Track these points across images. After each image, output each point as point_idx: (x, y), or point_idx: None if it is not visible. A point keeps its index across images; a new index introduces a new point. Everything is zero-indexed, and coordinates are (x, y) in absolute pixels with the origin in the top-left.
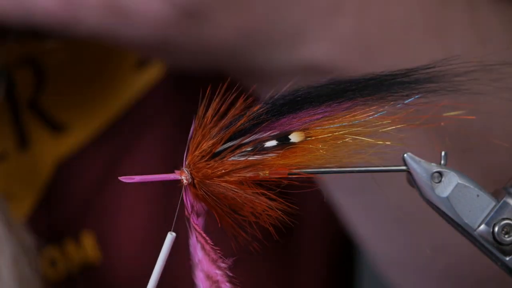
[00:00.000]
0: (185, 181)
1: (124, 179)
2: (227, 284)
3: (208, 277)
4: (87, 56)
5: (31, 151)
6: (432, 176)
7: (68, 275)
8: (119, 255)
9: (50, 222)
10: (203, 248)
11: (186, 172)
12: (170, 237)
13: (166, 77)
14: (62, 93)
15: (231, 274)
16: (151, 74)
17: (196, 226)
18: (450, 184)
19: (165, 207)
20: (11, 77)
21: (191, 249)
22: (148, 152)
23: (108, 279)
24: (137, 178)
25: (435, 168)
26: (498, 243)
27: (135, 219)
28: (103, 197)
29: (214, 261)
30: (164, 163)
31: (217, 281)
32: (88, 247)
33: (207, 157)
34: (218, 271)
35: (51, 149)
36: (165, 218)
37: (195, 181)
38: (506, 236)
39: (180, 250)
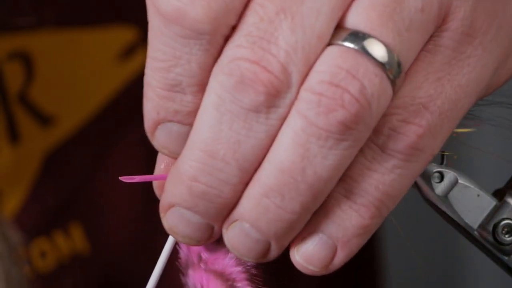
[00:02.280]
0: None
1: (124, 179)
2: (245, 282)
3: (220, 276)
4: (73, 47)
5: (21, 145)
6: (432, 176)
7: (58, 267)
8: (108, 246)
9: (39, 214)
10: (218, 245)
11: None
12: (171, 239)
13: None
14: (49, 85)
15: (254, 272)
16: (136, 65)
17: None
18: (450, 184)
19: (155, 198)
20: None
21: (184, 248)
22: (135, 142)
23: (97, 269)
24: (137, 178)
25: (435, 168)
26: (498, 243)
27: (124, 210)
28: (91, 188)
29: (235, 259)
30: (152, 152)
31: (233, 280)
32: (77, 238)
33: None
34: (236, 269)
35: (40, 142)
36: (155, 209)
37: None
38: (507, 236)
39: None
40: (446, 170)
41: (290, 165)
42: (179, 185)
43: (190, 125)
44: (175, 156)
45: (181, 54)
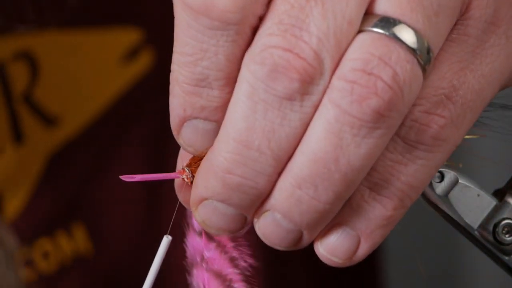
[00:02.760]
0: (186, 180)
1: (125, 178)
2: (242, 283)
3: (219, 276)
4: (77, 49)
5: (25, 145)
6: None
7: (61, 268)
8: (111, 247)
9: (42, 215)
10: (219, 245)
11: (187, 171)
12: (166, 240)
13: (156, 69)
14: (54, 86)
15: (249, 273)
16: (140, 66)
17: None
18: (450, 184)
19: (158, 198)
20: (3, 70)
21: (190, 248)
22: (138, 143)
23: (100, 271)
24: (137, 177)
25: None
26: (498, 243)
27: (127, 211)
28: (94, 189)
29: (231, 260)
30: (154, 154)
31: (229, 280)
32: (79, 239)
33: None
34: (233, 270)
35: (43, 142)
36: (158, 210)
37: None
38: (507, 236)
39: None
40: (447, 170)
41: (323, 155)
42: (212, 178)
43: (217, 121)
44: (200, 154)
45: (208, 46)
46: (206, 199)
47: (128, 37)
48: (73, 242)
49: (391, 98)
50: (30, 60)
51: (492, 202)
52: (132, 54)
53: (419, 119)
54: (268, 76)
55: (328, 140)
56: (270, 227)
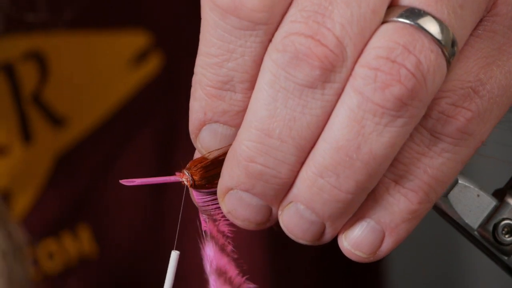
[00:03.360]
0: (186, 183)
1: (124, 182)
2: (240, 276)
3: (221, 273)
4: (87, 50)
5: (34, 145)
6: None
7: (65, 268)
8: (116, 249)
9: (48, 215)
10: (216, 243)
11: (187, 174)
12: (174, 255)
13: (164, 72)
14: (63, 86)
15: (243, 265)
16: (149, 69)
17: (211, 219)
18: (450, 184)
19: (163, 201)
20: (13, 70)
21: (203, 251)
22: (146, 146)
23: (105, 273)
24: (137, 181)
25: None
26: (498, 243)
27: (132, 213)
28: (100, 191)
29: (227, 255)
30: (161, 157)
31: (230, 277)
32: (84, 240)
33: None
34: (230, 265)
35: (52, 143)
36: (162, 213)
37: (196, 183)
38: (507, 236)
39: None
40: None
41: (345, 143)
42: (236, 167)
43: (236, 127)
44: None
45: (235, 47)
46: (231, 189)
47: (137, 40)
48: (78, 243)
49: (414, 86)
50: (39, 60)
51: (492, 202)
52: (141, 57)
53: (446, 111)
54: (289, 64)
55: (350, 127)
56: (293, 219)
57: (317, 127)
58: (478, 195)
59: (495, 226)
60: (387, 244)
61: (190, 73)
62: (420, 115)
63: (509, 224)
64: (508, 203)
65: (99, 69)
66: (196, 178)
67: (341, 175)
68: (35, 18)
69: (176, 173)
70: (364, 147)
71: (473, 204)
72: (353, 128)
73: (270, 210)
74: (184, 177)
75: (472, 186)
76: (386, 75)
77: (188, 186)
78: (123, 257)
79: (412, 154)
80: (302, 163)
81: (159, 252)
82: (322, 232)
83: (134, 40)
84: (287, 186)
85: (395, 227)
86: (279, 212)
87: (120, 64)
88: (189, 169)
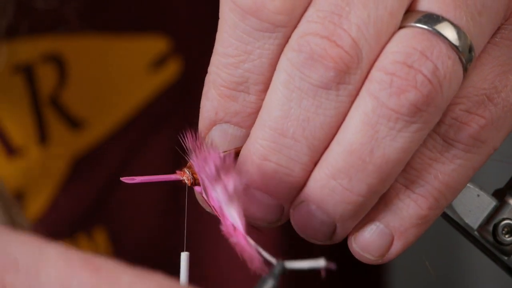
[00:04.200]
0: (186, 181)
1: (125, 179)
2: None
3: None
4: (106, 54)
5: (50, 147)
6: None
7: None
8: (132, 251)
9: (64, 217)
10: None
11: (188, 173)
12: (184, 256)
13: (182, 78)
14: (81, 90)
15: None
16: (167, 75)
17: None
18: None
19: (179, 202)
20: (31, 72)
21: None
22: (163, 151)
23: None
24: (138, 179)
25: None
26: (498, 243)
27: (148, 216)
28: (117, 194)
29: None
30: (176, 162)
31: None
32: (100, 242)
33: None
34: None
35: (69, 145)
36: (178, 215)
37: (197, 181)
38: (507, 236)
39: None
40: None
41: (358, 147)
42: (250, 165)
43: (247, 128)
44: None
45: (253, 48)
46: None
47: (156, 45)
48: (94, 245)
49: (430, 93)
50: (58, 62)
51: (492, 202)
52: (160, 62)
53: (460, 117)
54: (304, 64)
55: (364, 131)
56: (305, 218)
57: (330, 127)
58: (478, 195)
59: (495, 226)
60: (396, 248)
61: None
62: (435, 121)
63: (509, 224)
64: (508, 203)
65: (118, 73)
66: (197, 176)
67: (353, 178)
68: (45, 5)
69: (177, 172)
70: (377, 151)
71: (473, 204)
72: (367, 132)
73: (282, 209)
74: (184, 175)
75: (472, 186)
76: (402, 81)
77: (189, 185)
78: (138, 259)
79: (424, 160)
80: (315, 163)
81: (175, 254)
82: (333, 232)
83: (154, 45)
84: (300, 185)
85: (404, 231)
86: (291, 211)
87: (139, 69)
88: (190, 167)
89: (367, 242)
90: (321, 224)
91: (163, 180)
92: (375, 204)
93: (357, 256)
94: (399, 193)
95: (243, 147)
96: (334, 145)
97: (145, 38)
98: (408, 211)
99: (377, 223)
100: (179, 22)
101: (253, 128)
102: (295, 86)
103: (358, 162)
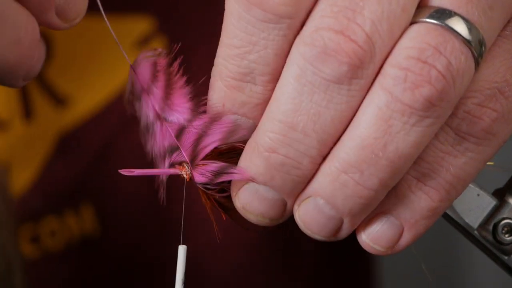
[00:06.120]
0: (185, 176)
1: (124, 171)
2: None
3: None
4: (91, 33)
5: (35, 122)
6: None
7: (67, 246)
8: (118, 228)
9: (50, 193)
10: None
11: (187, 167)
12: (182, 249)
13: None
14: (67, 66)
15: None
16: None
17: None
18: None
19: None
20: None
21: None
22: None
23: (106, 251)
24: (136, 172)
25: None
26: (498, 242)
27: (136, 194)
28: (103, 171)
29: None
30: None
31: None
32: (87, 219)
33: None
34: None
35: (54, 122)
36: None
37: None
38: (507, 235)
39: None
40: None
41: (372, 141)
42: (256, 157)
43: (254, 119)
44: None
45: (258, 39)
46: (247, 182)
47: (141, 24)
48: (81, 222)
49: (444, 88)
50: (44, 40)
51: (492, 202)
52: (144, 41)
53: (472, 111)
54: (317, 58)
55: (377, 126)
56: (311, 214)
57: (340, 122)
58: (478, 195)
59: (495, 225)
60: (405, 239)
61: (191, 57)
62: (447, 115)
63: (509, 223)
64: (508, 203)
65: (103, 52)
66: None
67: (365, 172)
68: None
69: (176, 166)
70: (390, 146)
71: (473, 204)
72: (381, 127)
73: (285, 205)
74: (183, 170)
75: (472, 186)
76: (416, 76)
77: (187, 180)
78: (125, 236)
79: (436, 153)
80: (323, 157)
81: (163, 232)
82: (339, 228)
83: (138, 25)
84: (306, 180)
85: (414, 223)
86: (295, 207)
87: (124, 48)
88: (186, 163)
89: (377, 234)
90: (328, 219)
91: (161, 173)
92: (386, 196)
93: (366, 248)
94: (411, 186)
95: (250, 139)
96: (345, 139)
97: (130, 18)
98: (420, 203)
99: (388, 215)
100: (163, 1)
101: (261, 120)
102: (307, 80)
103: (371, 156)
